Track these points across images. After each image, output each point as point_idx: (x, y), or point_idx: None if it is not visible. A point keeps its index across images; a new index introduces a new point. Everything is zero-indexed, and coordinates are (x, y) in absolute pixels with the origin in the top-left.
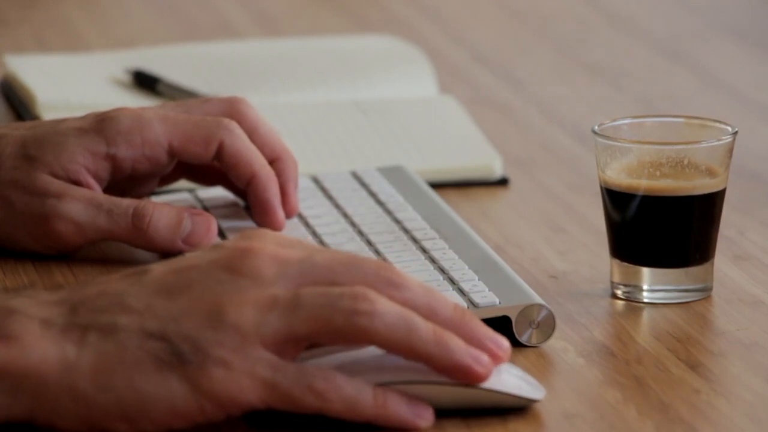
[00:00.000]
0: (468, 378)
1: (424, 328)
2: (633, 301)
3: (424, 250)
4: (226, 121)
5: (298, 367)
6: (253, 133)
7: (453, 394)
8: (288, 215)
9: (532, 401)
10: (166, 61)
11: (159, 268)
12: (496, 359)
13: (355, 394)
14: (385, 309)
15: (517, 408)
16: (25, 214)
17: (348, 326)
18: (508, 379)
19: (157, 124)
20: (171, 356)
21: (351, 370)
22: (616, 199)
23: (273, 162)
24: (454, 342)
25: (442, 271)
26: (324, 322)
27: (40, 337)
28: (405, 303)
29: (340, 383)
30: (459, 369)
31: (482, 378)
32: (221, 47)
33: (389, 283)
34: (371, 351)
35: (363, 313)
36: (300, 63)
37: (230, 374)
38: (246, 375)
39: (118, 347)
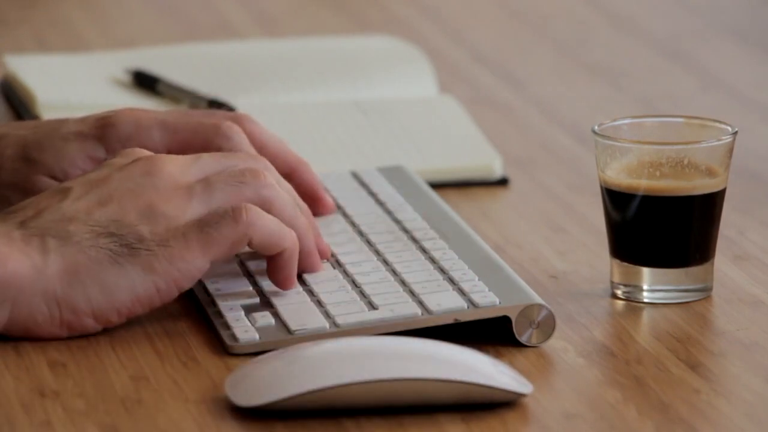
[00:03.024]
0: (313, 262)
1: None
2: (633, 301)
3: (424, 250)
4: (225, 126)
5: (216, 212)
6: (262, 150)
7: (449, 390)
8: (326, 213)
9: (521, 395)
10: (166, 61)
11: (78, 186)
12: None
13: (276, 223)
14: (276, 184)
15: (508, 402)
16: None
17: (257, 198)
18: (499, 376)
19: (156, 131)
20: (122, 248)
21: (354, 363)
22: (616, 199)
23: (290, 174)
24: (313, 223)
25: (442, 271)
26: (237, 199)
27: (9, 248)
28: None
29: (257, 212)
30: (317, 249)
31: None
32: (221, 47)
33: (266, 167)
34: (374, 345)
35: (267, 186)
36: (300, 63)
37: (173, 251)
38: (185, 247)
39: (77, 249)
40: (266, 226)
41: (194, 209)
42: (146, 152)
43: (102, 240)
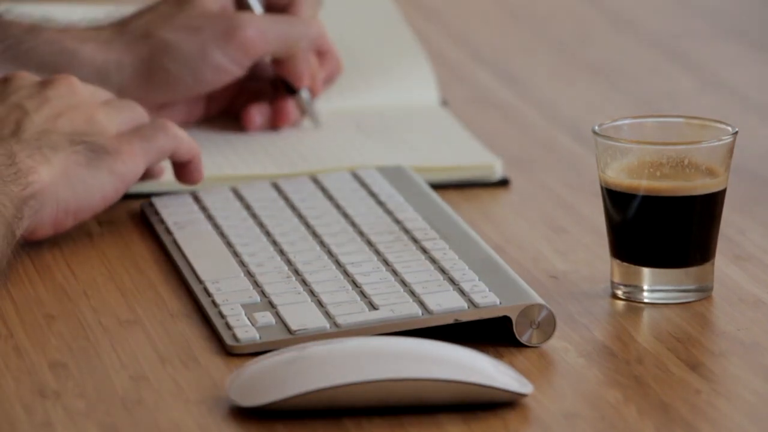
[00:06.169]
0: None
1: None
2: (633, 301)
3: (424, 251)
4: None
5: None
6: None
7: (450, 390)
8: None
9: (521, 395)
10: None
11: (25, 102)
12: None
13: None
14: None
15: (509, 402)
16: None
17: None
18: (500, 376)
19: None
20: (92, 152)
21: (355, 363)
22: (616, 199)
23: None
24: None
25: (443, 271)
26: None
27: (32, 160)
28: None
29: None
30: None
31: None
32: None
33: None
34: (375, 345)
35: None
36: None
37: (125, 156)
38: (132, 153)
39: (64, 155)
40: (183, 136)
41: (117, 117)
42: (34, 77)
43: (77, 147)
